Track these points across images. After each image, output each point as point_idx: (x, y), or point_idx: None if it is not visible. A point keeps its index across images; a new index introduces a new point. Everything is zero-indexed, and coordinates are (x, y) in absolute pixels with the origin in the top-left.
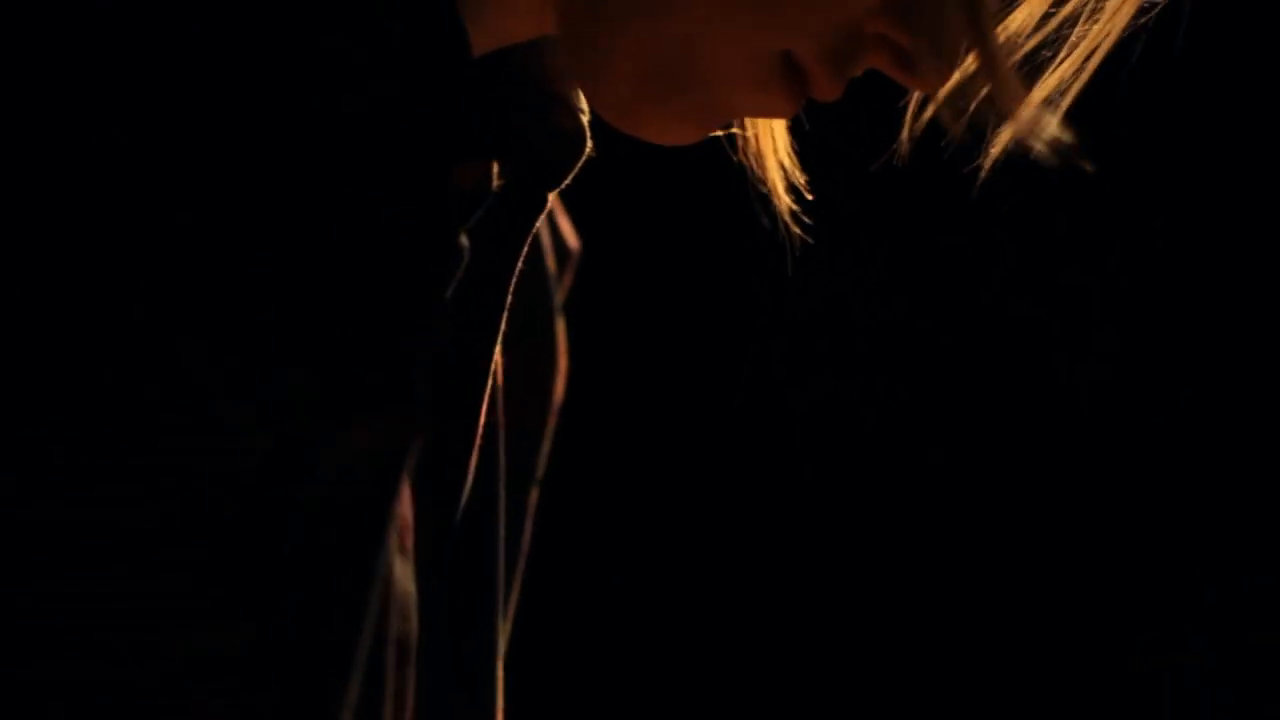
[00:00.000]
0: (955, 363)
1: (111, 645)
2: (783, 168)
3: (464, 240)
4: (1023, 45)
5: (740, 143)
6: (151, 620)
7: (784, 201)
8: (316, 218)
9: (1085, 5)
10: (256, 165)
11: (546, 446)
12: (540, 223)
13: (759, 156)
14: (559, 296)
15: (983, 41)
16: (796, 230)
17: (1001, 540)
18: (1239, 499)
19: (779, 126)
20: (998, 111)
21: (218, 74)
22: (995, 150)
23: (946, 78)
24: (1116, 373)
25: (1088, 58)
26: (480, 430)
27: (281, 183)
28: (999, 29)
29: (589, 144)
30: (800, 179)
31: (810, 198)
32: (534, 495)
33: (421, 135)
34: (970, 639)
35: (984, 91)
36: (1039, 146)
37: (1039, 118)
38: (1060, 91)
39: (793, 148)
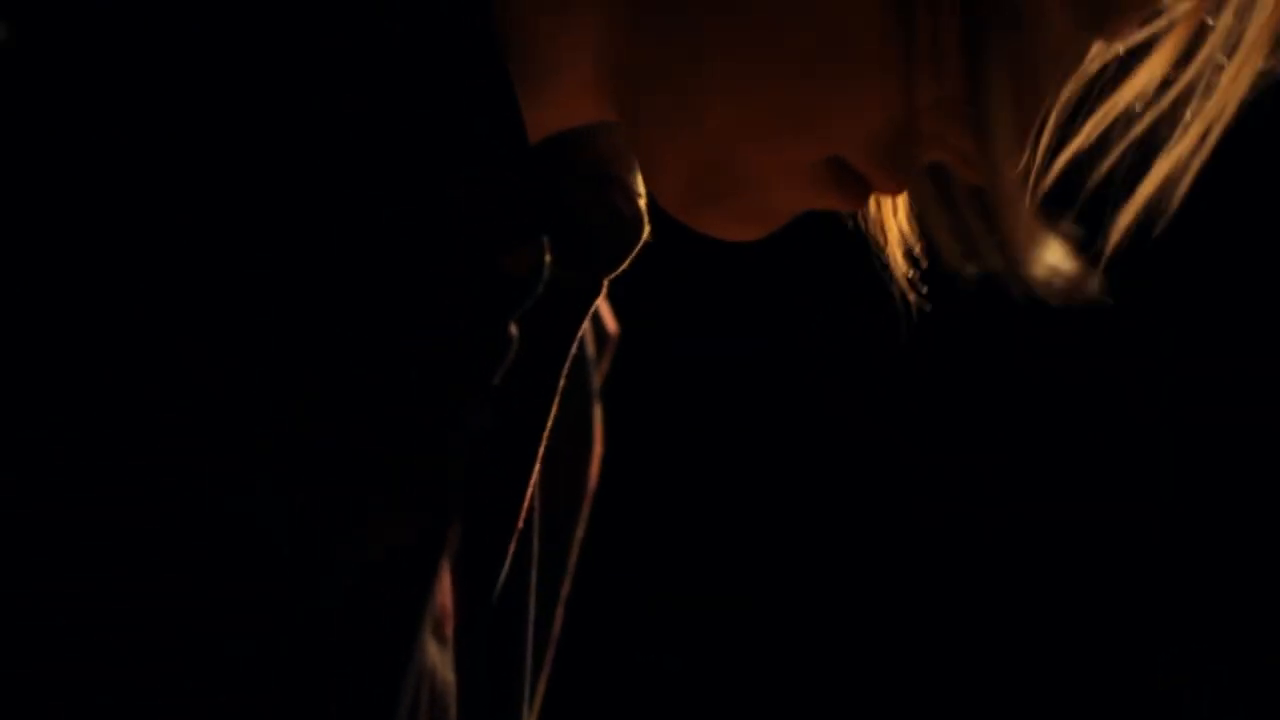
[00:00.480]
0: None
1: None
2: (901, 234)
3: (513, 329)
4: (1136, 120)
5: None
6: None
7: (900, 269)
8: (365, 301)
9: (1201, 80)
10: (303, 246)
11: (580, 533)
12: (602, 295)
13: (879, 224)
14: (597, 381)
15: (993, 167)
16: (912, 295)
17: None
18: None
19: (900, 197)
20: (1006, 240)
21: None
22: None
23: (1005, 171)
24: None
25: (1204, 135)
26: (522, 518)
27: (330, 263)
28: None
29: (646, 228)
30: (917, 245)
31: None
32: (566, 585)
33: (475, 220)
34: (989, 665)
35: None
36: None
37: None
38: (1180, 171)
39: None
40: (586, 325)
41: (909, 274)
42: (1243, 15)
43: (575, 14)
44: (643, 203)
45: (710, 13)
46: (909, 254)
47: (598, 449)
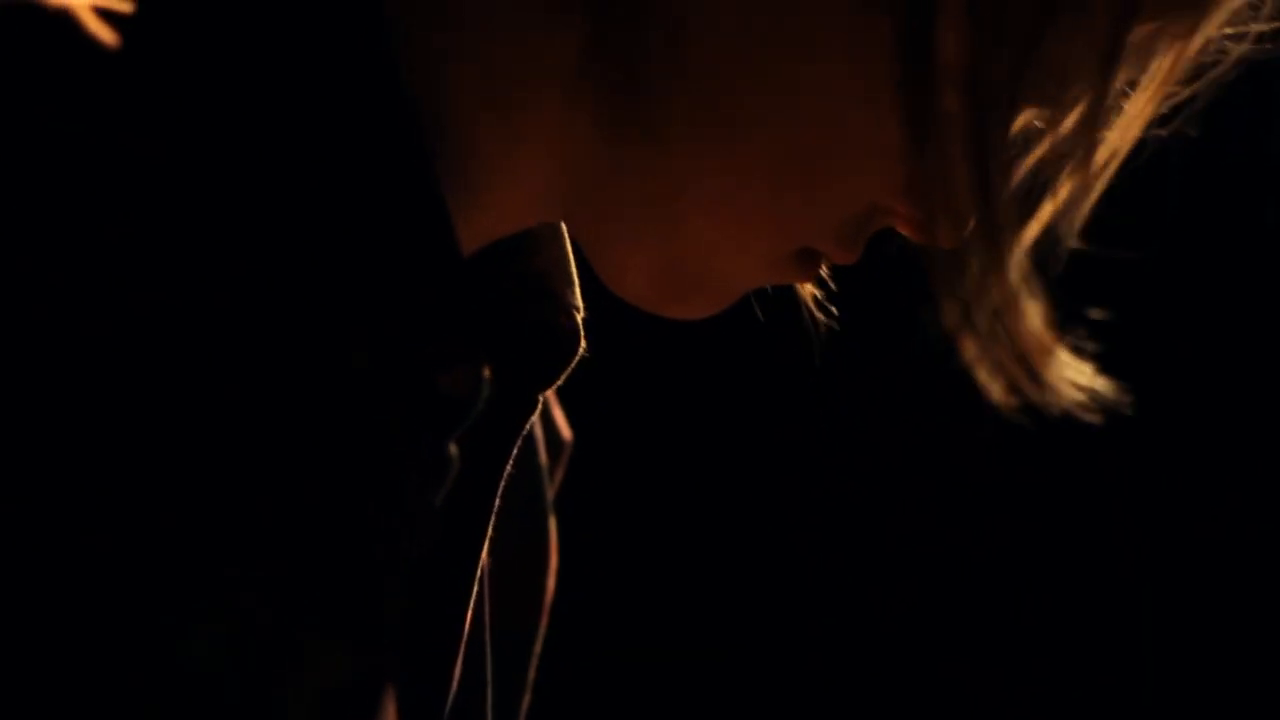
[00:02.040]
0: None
1: None
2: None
3: (453, 450)
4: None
5: None
6: None
7: (808, 289)
8: (299, 428)
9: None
10: (231, 374)
11: (538, 647)
12: (538, 411)
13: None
14: (551, 491)
15: (998, 265)
16: (821, 318)
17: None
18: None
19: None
20: (1015, 343)
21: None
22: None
23: (961, 236)
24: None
25: (1103, 169)
26: (465, 639)
27: (258, 389)
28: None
29: (582, 343)
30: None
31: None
32: (525, 700)
33: (408, 341)
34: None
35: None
36: (1054, 386)
37: (1055, 359)
38: (1072, 205)
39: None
40: (534, 431)
41: (817, 295)
42: (1143, 55)
43: (532, 114)
44: (580, 317)
45: (697, 120)
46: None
47: (553, 560)
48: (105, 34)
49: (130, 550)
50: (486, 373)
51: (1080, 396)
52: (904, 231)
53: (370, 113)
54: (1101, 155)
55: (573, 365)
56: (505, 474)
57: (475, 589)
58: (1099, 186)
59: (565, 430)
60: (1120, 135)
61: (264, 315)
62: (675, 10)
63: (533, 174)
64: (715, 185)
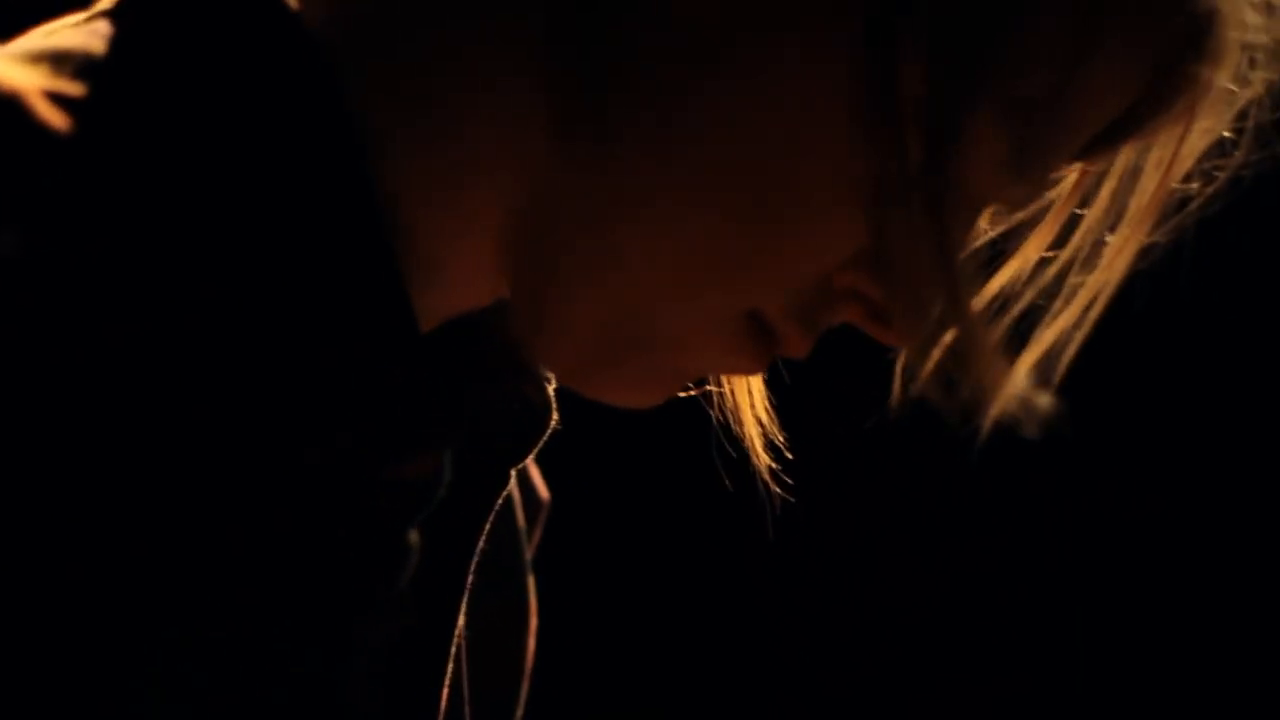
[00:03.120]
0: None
1: None
2: (761, 424)
3: (414, 537)
4: (1018, 298)
5: (715, 398)
6: None
7: (763, 460)
8: (252, 522)
9: (1080, 253)
10: (189, 474)
11: (520, 713)
12: (510, 486)
13: (735, 412)
14: (529, 551)
15: (955, 302)
16: (777, 490)
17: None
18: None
19: (755, 380)
20: (976, 380)
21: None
22: (987, 420)
23: (922, 329)
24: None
25: (1088, 308)
26: (441, 716)
27: (214, 487)
28: (984, 284)
29: (554, 416)
30: (779, 437)
31: (791, 457)
32: None
33: (367, 431)
34: None
35: (966, 357)
36: (1022, 418)
37: (1019, 387)
38: (1060, 346)
39: (771, 403)
40: (515, 495)
41: (770, 465)
42: (1123, 191)
43: (481, 178)
44: (552, 389)
45: (647, 156)
46: (770, 445)
47: (532, 622)
48: (56, 119)
49: (80, 608)
50: (448, 458)
51: (1015, 405)
52: (862, 324)
53: (326, 197)
54: (1089, 292)
55: (544, 437)
56: (478, 551)
57: (451, 666)
58: (1091, 317)
59: (543, 490)
60: (1107, 269)
61: (216, 410)
62: (629, 26)
63: (481, 230)
64: (665, 210)
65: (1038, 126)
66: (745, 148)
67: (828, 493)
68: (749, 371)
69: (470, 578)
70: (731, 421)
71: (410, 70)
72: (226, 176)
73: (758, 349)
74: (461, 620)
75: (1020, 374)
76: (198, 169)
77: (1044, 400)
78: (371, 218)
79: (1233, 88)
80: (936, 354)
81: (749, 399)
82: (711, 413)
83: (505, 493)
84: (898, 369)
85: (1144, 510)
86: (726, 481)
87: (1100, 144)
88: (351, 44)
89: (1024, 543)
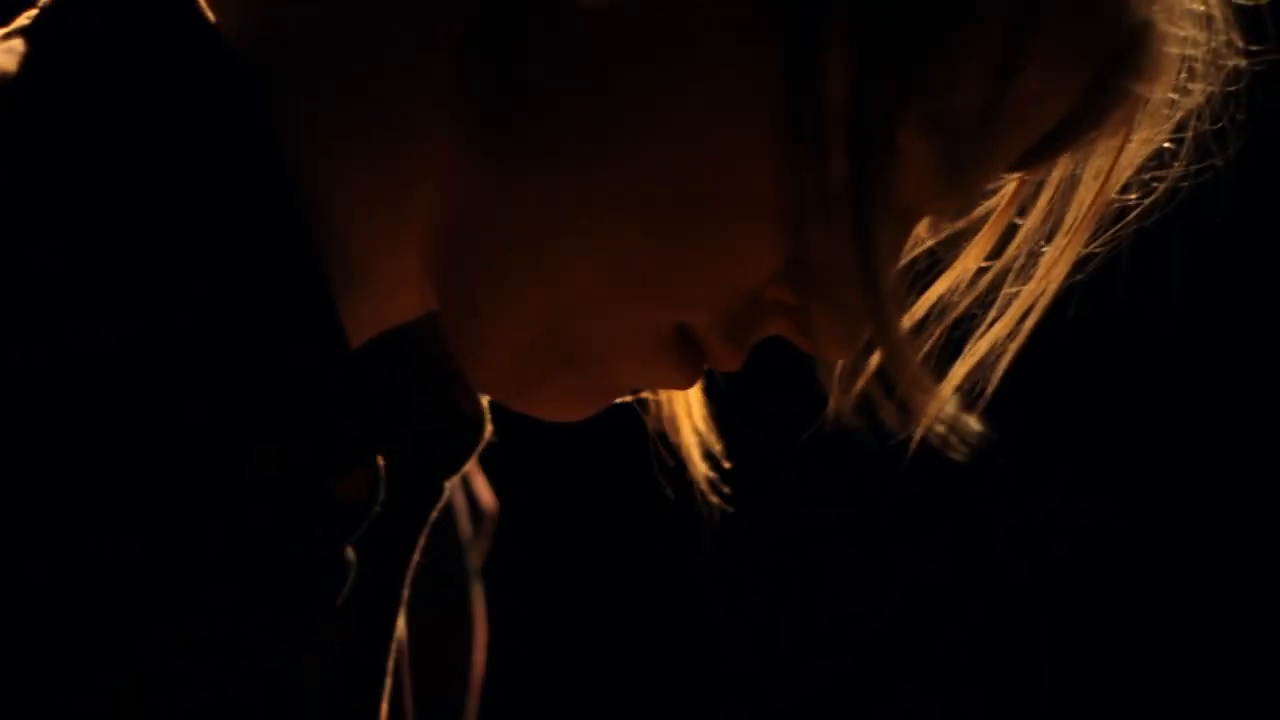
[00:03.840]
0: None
1: None
2: (698, 433)
3: (350, 553)
4: (953, 309)
5: (652, 408)
6: None
7: (700, 470)
8: (188, 543)
9: (1016, 263)
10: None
11: None
12: (445, 498)
13: (672, 421)
14: (476, 559)
15: (879, 319)
16: (715, 501)
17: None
18: None
19: (693, 391)
20: (901, 398)
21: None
22: (915, 433)
23: (849, 344)
24: None
25: (1022, 319)
26: None
27: (146, 506)
28: (916, 297)
29: (489, 426)
30: (717, 446)
31: (728, 466)
32: None
33: (299, 448)
34: None
35: (891, 375)
36: (946, 437)
37: (943, 404)
38: (994, 355)
39: (710, 412)
40: (454, 501)
41: (709, 476)
42: (1061, 201)
43: (403, 193)
44: (486, 400)
45: (567, 173)
46: (708, 455)
47: (480, 633)
48: None
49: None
50: (381, 473)
51: (938, 422)
52: (791, 337)
53: (250, 210)
54: (1024, 301)
55: (478, 449)
56: (412, 564)
57: (389, 680)
58: (1026, 328)
59: (488, 499)
60: (1043, 279)
61: (150, 429)
62: (545, 44)
63: (412, 239)
64: (589, 222)
65: (968, 139)
66: (669, 164)
67: (772, 502)
68: (679, 386)
69: (405, 590)
70: (669, 431)
71: (330, 86)
72: (144, 195)
73: (687, 363)
74: (399, 632)
75: (949, 391)
76: (115, 188)
77: (971, 422)
78: (296, 230)
79: (1173, 97)
80: (863, 373)
81: (686, 408)
82: (648, 422)
83: (440, 504)
84: (831, 381)
85: (1090, 517)
86: (668, 491)
87: (1036, 155)
88: (272, 58)
89: (971, 551)
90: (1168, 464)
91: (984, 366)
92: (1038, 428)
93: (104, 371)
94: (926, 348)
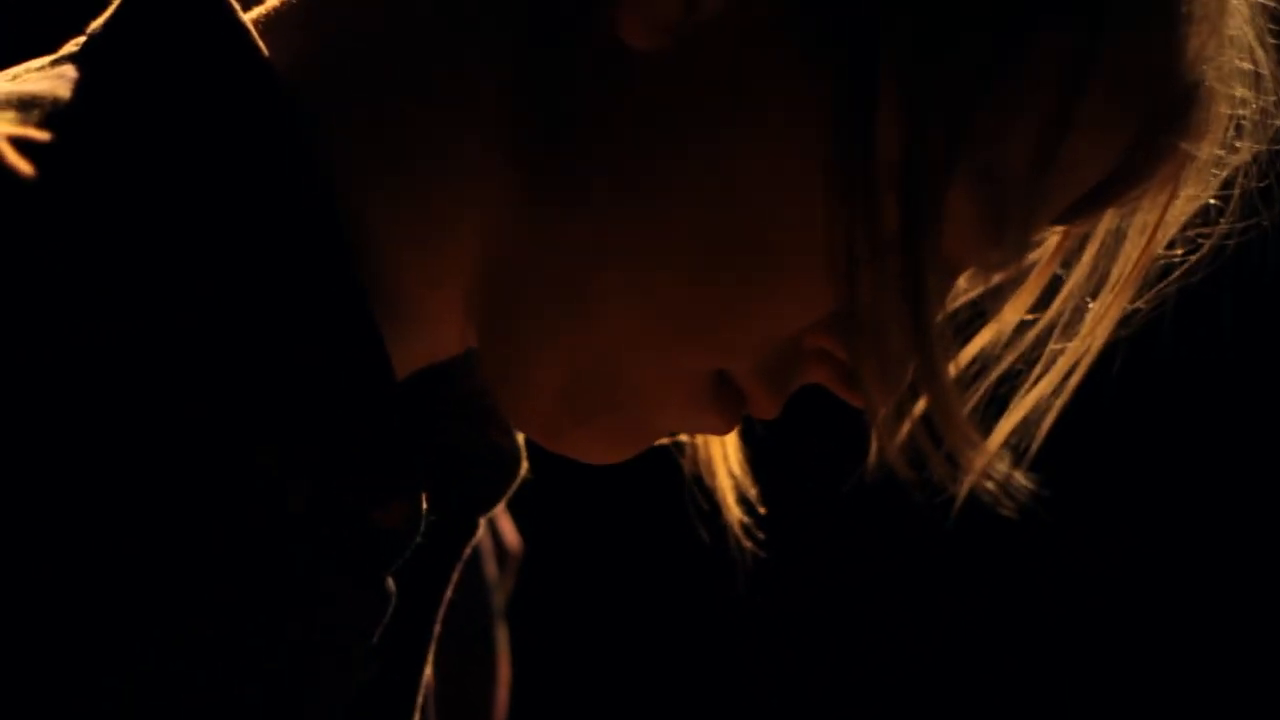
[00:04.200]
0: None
1: None
2: (734, 478)
3: (390, 584)
4: (996, 364)
5: (688, 450)
6: None
7: (735, 514)
8: (232, 571)
9: (1061, 318)
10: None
11: None
12: (479, 535)
13: (708, 465)
14: (500, 599)
15: (928, 369)
16: (749, 545)
17: None
18: None
19: (730, 435)
20: (949, 452)
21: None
22: (962, 488)
23: (894, 394)
24: None
25: (1067, 375)
26: None
27: (195, 532)
28: (957, 351)
29: (524, 464)
30: (752, 491)
31: (764, 511)
32: None
33: (344, 479)
34: None
35: (939, 427)
36: (994, 492)
37: (993, 460)
38: (1039, 412)
39: (745, 456)
40: (485, 544)
41: (741, 519)
42: (1106, 257)
43: (448, 233)
44: (521, 437)
45: (616, 217)
46: (743, 500)
47: (504, 672)
48: (22, 165)
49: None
50: (424, 504)
51: (986, 477)
52: (831, 386)
53: (302, 250)
54: (1069, 359)
55: (514, 486)
56: (445, 600)
57: (417, 716)
58: (1071, 385)
59: (513, 539)
60: (1088, 335)
61: (201, 459)
62: (597, 89)
63: (453, 279)
64: (633, 266)
65: (1017, 192)
66: (716, 210)
67: (807, 548)
68: (717, 431)
69: (437, 627)
70: (704, 474)
71: (379, 120)
72: (196, 230)
73: (726, 409)
74: (428, 670)
75: (995, 446)
76: (167, 221)
77: (1018, 478)
78: (344, 265)
79: (1220, 154)
80: (908, 422)
81: (722, 452)
82: (684, 465)
83: (474, 541)
84: (872, 433)
85: (1128, 571)
86: (703, 534)
87: (1082, 209)
88: (322, 91)
89: (1006, 601)
90: (1216, 520)
91: (1028, 423)
92: (1080, 482)
93: (154, 403)
94: (972, 402)
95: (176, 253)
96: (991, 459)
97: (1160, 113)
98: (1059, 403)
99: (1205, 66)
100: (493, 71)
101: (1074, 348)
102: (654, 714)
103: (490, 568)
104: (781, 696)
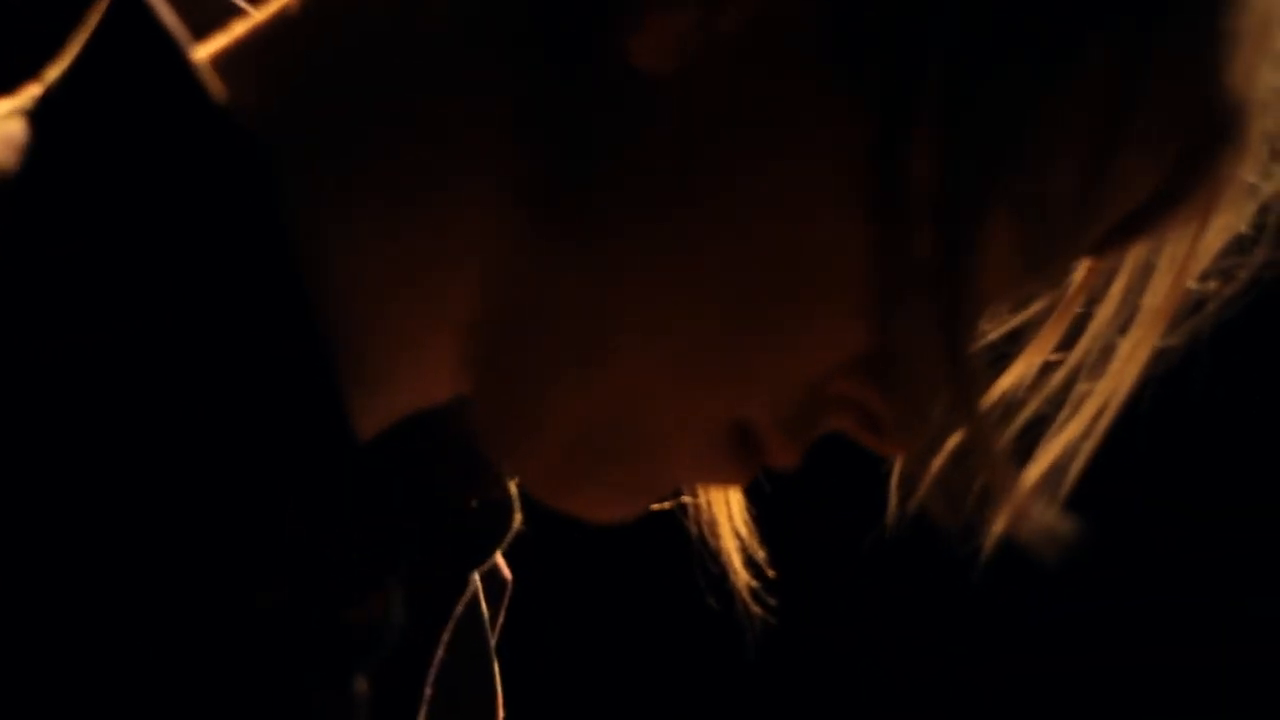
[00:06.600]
0: None
1: None
2: (739, 538)
3: (360, 685)
4: (1021, 405)
5: (691, 511)
6: None
7: (742, 578)
8: (197, 675)
9: (1090, 357)
10: (125, 621)
11: None
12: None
13: (712, 525)
14: (493, 636)
15: (965, 403)
16: (757, 610)
17: None
18: None
19: (734, 492)
20: (986, 492)
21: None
22: (991, 537)
23: (921, 436)
24: None
25: (1098, 417)
26: None
27: (153, 639)
28: (987, 391)
29: (517, 515)
30: (759, 553)
31: (772, 575)
32: None
33: (309, 573)
34: None
35: (973, 469)
36: (1031, 535)
37: (1031, 501)
38: (1068, 456)
39: (751, 515)
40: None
41: (749, 583)
42: (1135, 291)
43: (444, 279)
44: (514, 487)
45: (638, 259)
46: (749, 561)
47: (499, 714)
48: None
49: None
50: (398, 598)
51: (1023, 518)
52: (854, 433)
53: (261, 311)
54: (1098, 399)
55: (506, 540)
56: (436, 661)
57: None
58: (1101, 427)
59: (504, 571)
60: (1117, 374)
61: (157, 557)
62: (626, 106)
63: (442, 325)
64: (653, 307)
65: (1058, 219)
66: (744, 250)
67: (819, 613)
68: (733, 484)
69: (428, 690)
70: (708, 535)
71: (360, 165)
72: (146, 294)
73: (743, 460)
74: None
75: (1029, 485)
76: (118, 283)
77: (1057, 517)
78: (306, 333)
79: (1254, 181)
80: (937, 463)
81: (727, 511)
82: (690, 527)
83: (466, 598)
84: (893, 482)
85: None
86: (710, 601)
87: (1115, 238)
88: (293, 136)
89: (1028, 663)
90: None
91: (1056, 470)
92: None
93: (103, 495)
94: (1004, 442)
95: (120, 330)
96: (1027, 502)
97: (1205, 132)
98: (1089, 446)
99: (1251, 86)
100: (493, 107)
101: (1103, 387)
102: None
103: (484, 608)
104: None
